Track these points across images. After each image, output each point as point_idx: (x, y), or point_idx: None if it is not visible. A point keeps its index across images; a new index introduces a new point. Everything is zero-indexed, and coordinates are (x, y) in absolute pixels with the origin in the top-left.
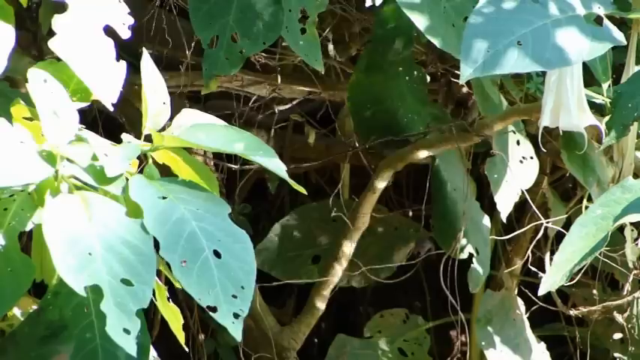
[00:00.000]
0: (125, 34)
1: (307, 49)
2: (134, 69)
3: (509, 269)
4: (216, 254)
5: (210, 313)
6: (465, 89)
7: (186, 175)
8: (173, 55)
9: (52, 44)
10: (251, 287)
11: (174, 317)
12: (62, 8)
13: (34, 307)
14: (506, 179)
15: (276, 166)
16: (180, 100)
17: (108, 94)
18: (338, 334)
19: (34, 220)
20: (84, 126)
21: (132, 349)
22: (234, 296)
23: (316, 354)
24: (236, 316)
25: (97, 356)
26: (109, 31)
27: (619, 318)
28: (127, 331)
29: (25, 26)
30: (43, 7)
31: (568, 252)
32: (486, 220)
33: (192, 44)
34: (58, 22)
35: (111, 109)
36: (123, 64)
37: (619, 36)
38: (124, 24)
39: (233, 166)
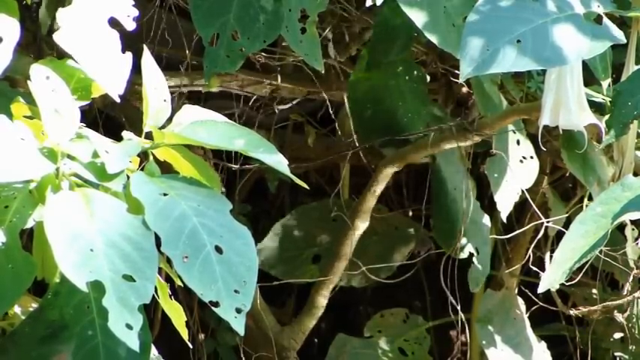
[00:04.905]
0: (130, 25)
1: (307, 48)
2: (134, 69)
3: (510, 269)
4: (218, 250)
5: (213, 308)
6: (465, 89)
7: (187, 171)
8: (173, 55)
9: (57, 37)
10: (253, 282)
11: (176, 314)
12: (63, 3)
13: (35, 305)
14: (507, 179)
15: (277, 161)
16: (180, 100)
17: (115, 85)
18: (338, 334)
19: (35, 218)
20: (84, 124)
21: (134, 344)
22: (237, 291)
23: (316, 354)
24: (238, 310)
25: (99, 354)
26: None
27: (619, 317)
28: (129, 327)
29: (25, 26)
30: (43, 7)
31: (568, 250)
32: (486, 220)
33: (192, 44)
34: (62, 15)
35: (118, 100)
36: (129, 55)
37: (618, 34)
38: (128, 16)
39: (233, 166)
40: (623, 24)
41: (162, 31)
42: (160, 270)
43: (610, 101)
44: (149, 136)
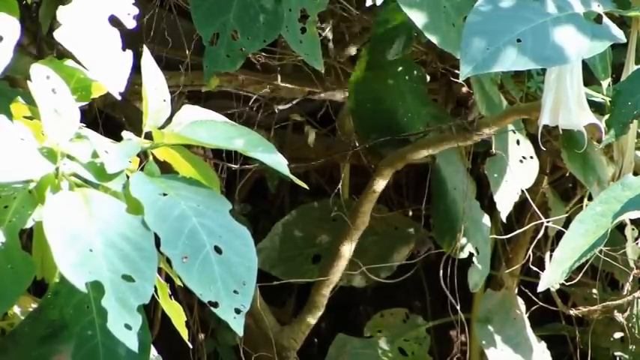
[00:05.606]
0: (130, 24)
1: (307, 48)
2: (134, 69)
3: (510, 269)
4: (217, 250)
5: (212, 308)
6: (465, 89)
7: (186, 171)
8: (173, 55)
9: (58, 35)
10: (252, 283)
11: (176, 314)
12: (64, 2)
13: (34, 305)
14: (506, 179)
15: (277, 161)
16: (180, 100)
17: (115, 83)
18: (338, 334)
19: (34, 218)
20: (84, 124)
21: (133, 344)
22: (236, 292)
23: (316, 353)
24: (237, 311)
25: (98, 354)
26: None
27: (619, 317)
28: (128, 327)
29: (25, 26)
30: (43, 7)
31: (567, 249)
32: (486, 220)
33: (192, 44)
34: (62, 13)
35: (118, 97)
36: (129, 53)
37: (618, 34)
38: (128, 14)
39: (233, 165)
40: (623, 24)
41: (162, 31)
42: (159, 270)
43: (610, 101)
44: (149, 136)
